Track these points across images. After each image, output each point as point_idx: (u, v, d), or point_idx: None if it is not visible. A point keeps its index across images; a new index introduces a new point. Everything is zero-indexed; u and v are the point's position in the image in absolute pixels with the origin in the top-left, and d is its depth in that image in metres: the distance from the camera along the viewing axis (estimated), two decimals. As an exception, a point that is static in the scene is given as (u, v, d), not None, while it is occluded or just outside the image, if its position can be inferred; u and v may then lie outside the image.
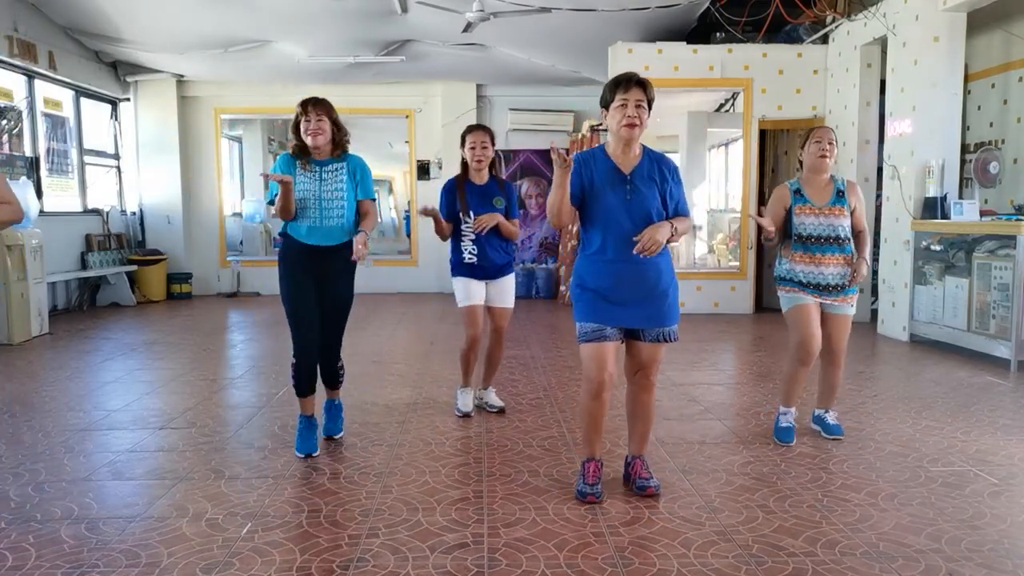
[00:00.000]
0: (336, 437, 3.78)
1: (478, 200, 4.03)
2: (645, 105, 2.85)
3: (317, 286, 3.54)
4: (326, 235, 3.51)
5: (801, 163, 3.71)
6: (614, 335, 2.93)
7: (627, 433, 3.21)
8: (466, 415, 4.18)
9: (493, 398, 4.33)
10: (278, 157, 3.62)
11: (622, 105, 2.83)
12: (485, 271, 4.09)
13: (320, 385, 3.68)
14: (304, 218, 3.51)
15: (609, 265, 2.90)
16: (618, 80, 2.88)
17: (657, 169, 2.94)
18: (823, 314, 3.65)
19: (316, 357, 3.58)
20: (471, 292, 4.09)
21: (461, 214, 4.04)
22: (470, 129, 4.06)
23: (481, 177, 4.06)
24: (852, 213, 3.64)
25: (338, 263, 3.54)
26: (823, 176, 3.65)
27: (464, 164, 4.08)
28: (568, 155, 2.77)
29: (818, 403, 3.89)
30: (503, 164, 10.77)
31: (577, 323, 2.99)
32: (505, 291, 4.16)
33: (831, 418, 3.83)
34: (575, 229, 3.07)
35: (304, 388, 3.59)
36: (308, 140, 3.48)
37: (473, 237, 4.03)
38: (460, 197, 4.03)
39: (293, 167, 3.53)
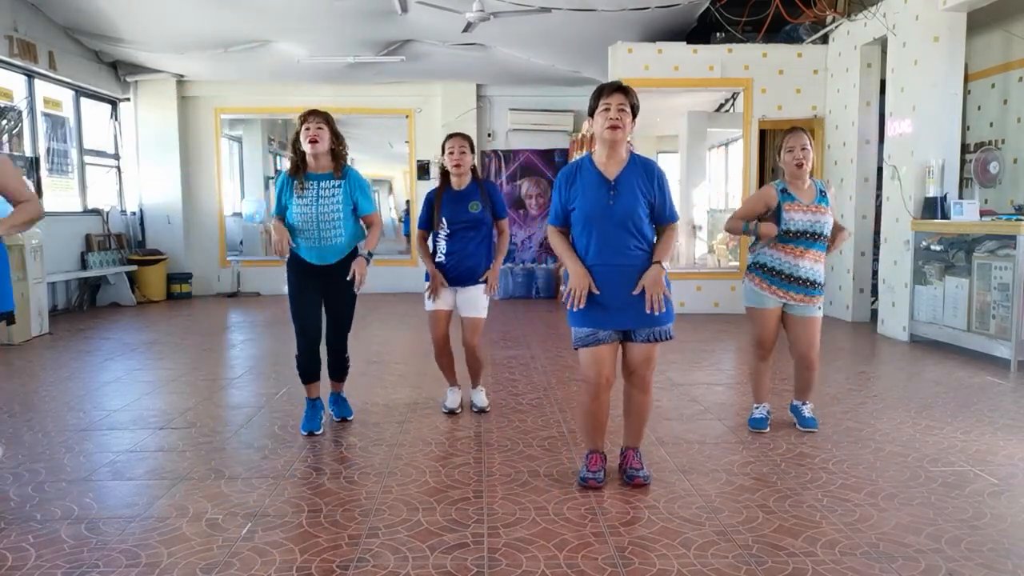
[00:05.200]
0: (349, 419, 4.13)
1: (453, 207, 4.07)
2: (627, 109, 2.95)
3: (321, 296, 3.85)
4: (325, 254, 3.76)
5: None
6: (608, 337, 3.02)
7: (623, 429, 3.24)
8: (452, 412, 4.27)
9: (478, 397, 4.37)
10: (279, 177, 3.89)
11: (605, 109, 2.95)
12: (455, 276, 4.10)
13: (326, 378, 4.07)
14: (303, 238, 3.73)
15: (595, 269, 2.98)
16: (601, 88, 3.01)
17: (643, 175, 3.01)
18: (790, 317, 3.85)
19: (317, 354, 3.92)
20: (436, 296, 4.14)
21: (435, 224, 4.12)
22: (449, 136, 4.14)
23: (461, 182, 4.12)
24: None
25: (339, 279, 3.76)
26: (804, 180, 3.82)
27: (444, 173, 4.14)
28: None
29: (796, 395, 4.06)
30: (503, 164, 10.80)
31: (572, 327, 3.09)
32: (473, 300, 4.14)
33: (807, 411, 3.98)
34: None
35: (307, 378, 3.96)
36: (307, 147, 3.66)
37: (447, 234, 4.09)
38: (436, 206, 4.10)
39: (289, 191, 3.74)
